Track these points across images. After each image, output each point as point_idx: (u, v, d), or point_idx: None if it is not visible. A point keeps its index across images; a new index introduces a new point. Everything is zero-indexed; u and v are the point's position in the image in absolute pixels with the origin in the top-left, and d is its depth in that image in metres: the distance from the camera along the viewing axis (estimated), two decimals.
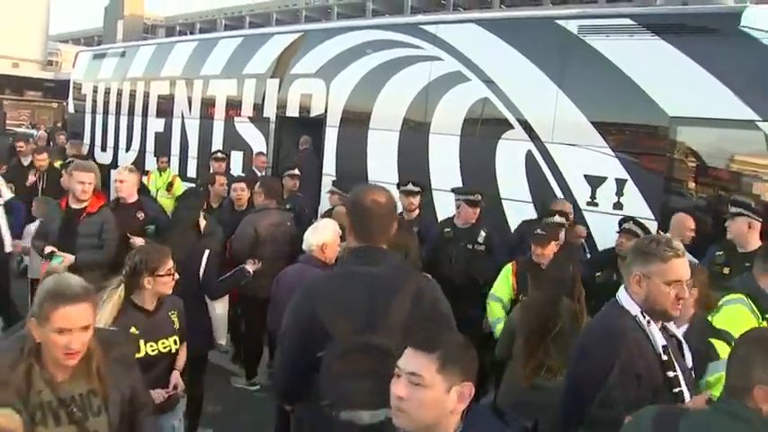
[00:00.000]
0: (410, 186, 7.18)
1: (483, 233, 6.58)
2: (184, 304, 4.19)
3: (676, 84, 6.62)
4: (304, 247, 4.82)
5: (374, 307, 2.83)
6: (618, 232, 5.94)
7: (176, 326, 4.04)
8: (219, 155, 10.07)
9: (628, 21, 7.02)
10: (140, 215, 6.32)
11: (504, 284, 5.66)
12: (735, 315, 4.16)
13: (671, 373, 2.76)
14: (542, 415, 4.34)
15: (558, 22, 7.47)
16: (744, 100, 6.15)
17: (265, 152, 10.33)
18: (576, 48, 7.27)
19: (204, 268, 5.23)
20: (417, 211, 7.23)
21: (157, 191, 10.66)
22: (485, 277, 6.18)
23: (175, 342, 4.02)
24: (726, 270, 5.31)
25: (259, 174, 9.69)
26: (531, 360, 4.51)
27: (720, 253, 5.54)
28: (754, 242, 5.30)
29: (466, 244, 6.53)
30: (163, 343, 3.94)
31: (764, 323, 4.28)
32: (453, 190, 7.05)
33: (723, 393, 2.30)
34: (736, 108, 6.18)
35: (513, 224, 7.48)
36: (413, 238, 5.56)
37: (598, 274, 5.75)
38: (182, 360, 4.16)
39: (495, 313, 5.69)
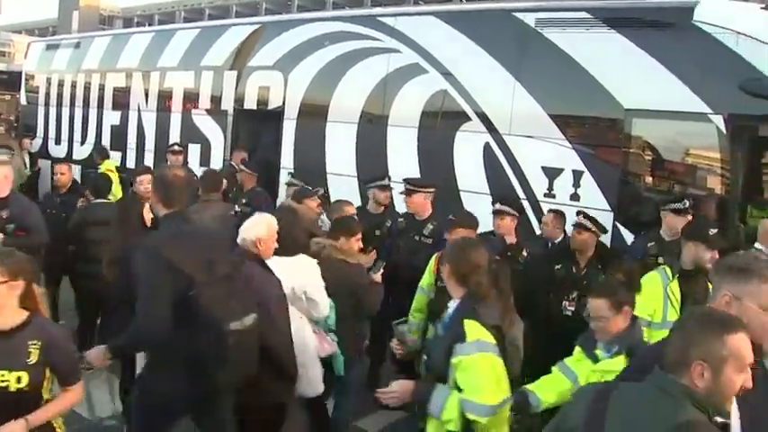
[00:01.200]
0: (385, 181, 7.15)
1: (431, 226, 6.45)
2: (120, 308, 4.04)
3: (631, 76, 6.70)
4: (238, 241, 4.48)
5: (207, 250, 3.89)
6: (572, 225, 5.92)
7: (31, 361, 3.11)
8: (176, 147, 9.94)
9: (584, 14, 7.08)
10: (4, 213, 5.85)
11: (428, 273, 5.41)
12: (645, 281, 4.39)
13: None
14: None
15: (516, 14, 7.50)
16: (696, 93, 6.25)
17: (224, 145, 10.24)
18: (534, 40, 7.33)
19: None
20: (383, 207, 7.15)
21: None
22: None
23: (19, 380, 3.08)
24: (660, 260, 5.38)
25: (236, 168, 9.61)
26: None
27: (652, 243, 5.74)
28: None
29: (413, 235, 6.46)
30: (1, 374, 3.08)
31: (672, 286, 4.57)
32: (405, 180, 6.98)
33: (658, 366, 2.24)
34: (690, 101, 6.28)
35: None
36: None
37: (557, 267, 5.74)
38: (44, 413, 3.21)
39: (416, 304, 5.42)
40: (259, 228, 4.46)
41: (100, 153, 10.94)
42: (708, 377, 2.09)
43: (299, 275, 4.46)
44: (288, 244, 4.52)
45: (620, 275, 4.25)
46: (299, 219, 5.02)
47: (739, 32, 6.11)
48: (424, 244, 6.37)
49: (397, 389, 3.46)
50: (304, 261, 4.59)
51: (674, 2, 7.26)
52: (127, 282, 3.87)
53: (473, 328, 3.26)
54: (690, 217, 5.58)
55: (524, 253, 5.99)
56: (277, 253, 4.51)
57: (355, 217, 5.76)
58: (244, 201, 8.18)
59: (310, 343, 4.51)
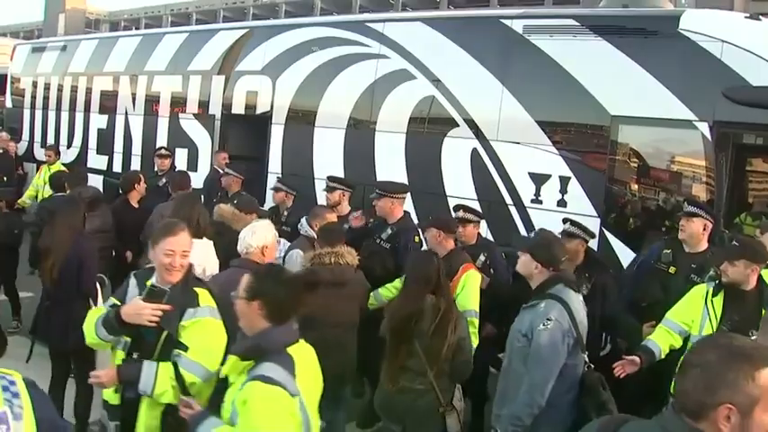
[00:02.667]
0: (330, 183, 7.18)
1: (390, 231, 6.38)
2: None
3: (618, 84, 6.75)
4: (240, 249, 4.50)
5: None
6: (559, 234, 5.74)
7: None
8: (163, 151, 9.91)
9: (571, 21, 7.13)
10: None
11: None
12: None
13: None
14: (407, 419, 4.41)
15: (504, 21, 7.54)
16: (681, 100, 6.31)
17: (211, 149, 10.22)
18: (521, 47, 7.36)
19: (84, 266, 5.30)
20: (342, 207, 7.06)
21: (45, 185, 10.12)
22: (378, 274, 6.00)
23: None
24: (671, 269, 5.30)
25: (220, 171, 9.54)
26: (393, 362, 4.36)
27: (668, 251, 5.41)
28: (704, 244, 5.27)
29: (375, 238, 6.41)
30: None
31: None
32: (377, 184, 6.98)
33: (672, 405, 1.96)
34: (675, 108, 6.33)
35: None
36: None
37: None
38: None
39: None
40: (266, 234, 4.50)
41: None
42: (735, 422, 1.81)
43: (204, 256, 4.78)
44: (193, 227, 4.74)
45: None
46: (198, 204, 5.84)
47: (724, 41, 6.17)
48: (381, 248, 6.31)
49: (102, 374, 3.40)
50: (206, 243, 5.04)
51: (660, 10, 7.36)
52: None
53: (204, 296, 3.43)
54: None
55: (482, 257, 5.89)
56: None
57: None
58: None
59: None
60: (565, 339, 3.89)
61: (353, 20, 9.62)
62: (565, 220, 5.76)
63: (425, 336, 4.22)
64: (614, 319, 5.27)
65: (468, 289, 5.12)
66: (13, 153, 12.83)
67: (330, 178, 7.22)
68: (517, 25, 7.39)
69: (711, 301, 4.50)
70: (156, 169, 9.60)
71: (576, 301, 4.09)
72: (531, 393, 3.85)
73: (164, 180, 9.05)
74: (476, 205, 7.35)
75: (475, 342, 4.83)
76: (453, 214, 6.17)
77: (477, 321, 5.09)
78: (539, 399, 3.84)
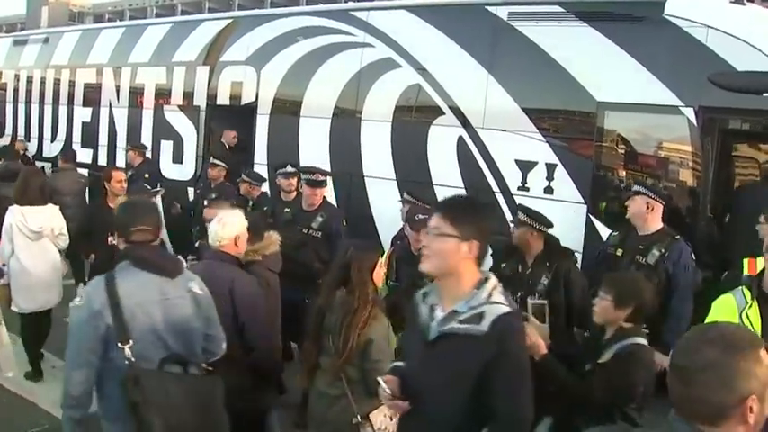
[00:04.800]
0: (288, 168, 7.27)
1: (320, 218, 6.32)
2: None
3: (604, 70, 6.74)
4: (211, 242, 4.26)
5: None
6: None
7: None
8: (130, 146, 10.41)
9: (557, 8, 7.09)
10: None
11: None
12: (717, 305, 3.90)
13: None
14: (321, 428, 3.96)
15: (489, 8, 7.49)
16: (668, 86, 6.30)
17: (196, 141, 10.17)
18: (506, 34, 7.33)
19: None
20: (294, 194, 7.12)
21: None
22: (314, 264, 5.96)
23: None
24: (618, 252, 5.32)
25: (228, 148, 10.03)
26: (307, 359, 4.04)
27: (615, 234, 5.55)
28: (654, 224, 5.28)
29: (301, 228, 6.31)
30: None
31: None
32: (300, 168, 6.95)
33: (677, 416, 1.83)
34: (661, 94, 6.33)
35: None
36: None
37: (503, 266, 5.30)
38: None
39: None
40: (237, 224, 4.30)
41: None
42: (757, 410, 1.74)
43: (51, 219, 6.48)
44: (37, 196, 6.36)
45: None
46: (39, 174, 7.04)
47: (709, 26, 6.16)
48: (312, 237, 6.28)
49: None
50: (52, 208, 6.55)
51: None
52: None
53: None
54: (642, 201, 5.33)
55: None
56: (28, 203, 6.30)
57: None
58: (213, 195, 8.14)
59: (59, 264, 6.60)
60: (92, 322, 3.21)
61: (337, 9, 9.53)
62: (518, 206, 5.68)
63: (335, 332, 3.83)
64: (584, 311, 4.92)
65: None
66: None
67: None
68: (502, 12, 7.35)
69: (746, 314, 4.06)
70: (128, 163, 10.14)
71: (142, 282, 3.36)
72: (64, 382, 3.31)
73: (129, 173, 9.14)
74: (462, 193, 7.39)
75: None
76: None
77: None
78: (68, 386, 3.24)
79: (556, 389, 3.74)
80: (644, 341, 3.64)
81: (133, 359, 3.16)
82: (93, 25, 13.96)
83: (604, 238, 6.49)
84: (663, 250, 5.10)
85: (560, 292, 4.99)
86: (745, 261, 4.83)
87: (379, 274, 4.09)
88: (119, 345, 3.17)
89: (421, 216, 4.97)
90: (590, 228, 6.67)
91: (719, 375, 1.73)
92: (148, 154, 10.41)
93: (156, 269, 3.39)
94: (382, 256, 4.41)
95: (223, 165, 8.56)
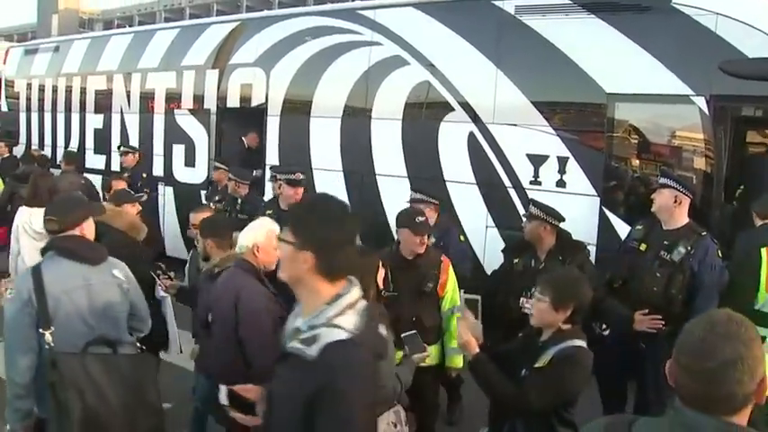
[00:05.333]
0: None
1: None
2: None
3: (613, 61, 6.70)
4: (236, 250, 4.22)
5: None
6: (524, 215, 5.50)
7: None
8: (123, 148, 10.56)
9: (563, 0, 7.06)
10: None
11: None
12: None
13: None
14: None
15: (495, 2, 7.46)
16: (678, 75, 6.26)
17: (207, 144, 10.22)
18: (514, 28, 7.31)
19: None
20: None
21: None
22: None
23: None
24: (642, 246, 5.00)
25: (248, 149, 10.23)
26: None
27: (640, 228, 5.17)
28: (681, 219, 4.95)
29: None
30: None
31: None
32: (272, 168, 6.93)
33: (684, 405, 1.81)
34: (671, 83, 6.29)
35: (458, 206, 7.53)
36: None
37: (516, 261, 5.25)
38: None
39: None
40: (257, 233, 4.12)
41: None
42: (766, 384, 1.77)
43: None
44: (46, 198, 5.77)
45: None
46: (48, 177, 6.86)
47: (718, 13, 6.11)
48: None
49: None
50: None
51: None
52: None
53: None
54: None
55: (433, 238, 5.60)
56: (38, 205, 5.63)
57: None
58: (217, 198, 8.24)
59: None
60: (24, 310, 3.45)
61: (344, 8, 9.53)
62: (530, 200, 5.61)
63: None
64: (600, 305, 4.82)
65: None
66: None
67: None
68: (509, 6, 7.33)
69: None
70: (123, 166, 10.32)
71: (66, 270, 3.60)
72: (7, 374, 3.48)
73: (125, 175, 9.44)
74: (474, 189, 7.40)
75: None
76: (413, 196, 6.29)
77: None
78: (12, 375, 3.44)
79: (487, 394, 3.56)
80: (583, 343, 3.39)
81: (53, 344, 3.35)
82: (102, 32, 14.00)
83: (618, 231, 6.50)
84: (689, 248, 4.80)
85: None
86: (764, 250, 4.79)
87: (381, 277, 4.00)
88: (40, 330, 3.39)
89: (420, 218, 4.83)
90: (603, 220, 6.66)
91: (746, 369, 1.72)
92: (161, 158, 10.48)
93: (79, 257, 3.64)
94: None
95: (225, 167, 8.58)
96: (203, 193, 9.80)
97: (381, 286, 3.99)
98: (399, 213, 5.12)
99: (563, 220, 5.21)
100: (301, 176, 6.63)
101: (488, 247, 7.20)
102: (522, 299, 4.97)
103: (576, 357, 3.32)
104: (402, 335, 3.86)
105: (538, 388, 3.25)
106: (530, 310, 4.83)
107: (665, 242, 4.87)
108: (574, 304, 3.39)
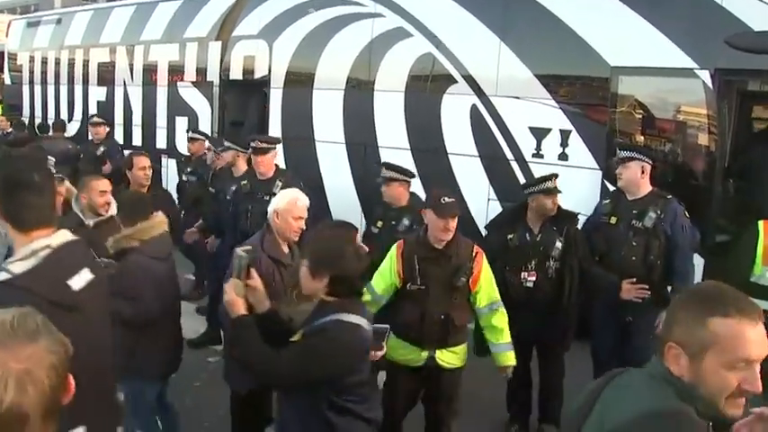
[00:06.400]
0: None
1: (279, 183, 6.00)
2: None
3: (617, 34, 6.65)
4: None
5: None
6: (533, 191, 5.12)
7: None
8: (96, 119, 10.41)
9: None
10: None
11: (386, 270, 4.34)
12: None
13: None
14: None
15: None
16: (682, 48, 6.20)
17: (211, 116, 10.21)
18: (518, 0, 7.26)
19: None
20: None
21: None
22: None
23: None
24: (612, 219, 5.11)
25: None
26: None
27: (607, 202, 5.29)
28: (645, 188, 5.09)
29: (263, 195, 5.88)
30: None
31: None
32: (247, 138, 6.74)
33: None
34: (676, 56, 6.24)
35: (461, 179, 7.52)
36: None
37: (510, 236, 5.07)
38: None
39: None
40: (281, 199, 4.18)
41: None
42: (684, 363, 1.81)
43: None
44: None
45: None
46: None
47: None
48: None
49: None
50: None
51: None
52: None
53: None
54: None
55: (406, 221, 5.50)
56: None
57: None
58: (189, 169, 8.18)
59: None
60: None
61: None
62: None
63: None
64: (588, 273, 5.06)
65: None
66: None
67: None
68: None
69: None
70: (91, 138, 10.28)
71: None
72: None
73: (102, 148, 9.72)
74: (476, 161, 7.38)
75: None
76: (384, 173, 5.78)
77: None
78: None
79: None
80: (351, 318, 2.88)
81: None
82: (104, 4, 13.88)
83: None
84: (659, 212, 4.93)
85: (574, 255, 4.97)
86: (761, 223, 4.82)
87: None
88: None
89: (447, 199, 4.23)
90: (605, 193, 6.61)
91: (668, 314, 1.92)
92: (164, 131, 10.49)
93: None
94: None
95: (202, 137, 8.49)
96: None
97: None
98: (428, 192, 4.88)
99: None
100: (264, 144, 6.39)
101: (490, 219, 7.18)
102: (522, 273, 4.97)
103: (329, 333, 2.82)
104: (374, 325, 3.24)
105: (287, 361, 2.81)
106: (531, 283, 4.96)
107: (634, 211, 5.00)
108: (330, 273, 2.91)
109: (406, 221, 5.52)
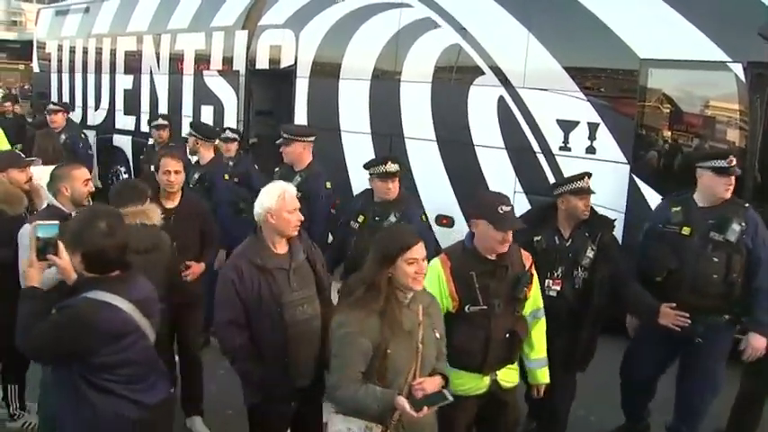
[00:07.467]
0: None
1: (299, 178, 5.77)
2: None
3: (647, 25, 6.57)
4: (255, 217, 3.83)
5: None
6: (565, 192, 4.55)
7: None
8: (53, 106, 9.97)
9: None
10: None
11: (435, 293, 3.60)
12: None
13: None
14: None
15: None
16: (714, 41, 6.11)
17: (237, 106, 10.27)
18: None
19: None
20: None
21: None
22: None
23: None
24: (685, 230, 4.52)
25: None
26: None
27: (677, 209, 4.62)
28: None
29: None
30: None
31: None
32: (281, 127, 6.52)
33: None
34: (707, 49, 6.15)
35: (487, 172, 7.51)
36: None
37: (537, 239, 4.49)
38: None
39: None
40: (268, 198, 3.71)
41: None
42: None
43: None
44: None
45: None
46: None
47: None
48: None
49: None
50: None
51: None
52: None
53: None
54: (733, 178, 4.48)
55: (393, 218, 5.19)
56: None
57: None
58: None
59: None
60: None
61: None
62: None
63: None
64: (622, 291, 4.54)
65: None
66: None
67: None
68: None
69: None
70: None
71: None
72: None
73: (63, 137, 9.23)
74: (503, 153, 7.34)
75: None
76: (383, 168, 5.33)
77: None
78: None
79: None
80: (105, 297, 2.88)
81: None
82: None
83: (647, 199, 6.42)
84: (743, 223, 4.38)
85: (605, 267, 4.44)
86: None
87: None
88: None
89: (505, 208, 3.67)
90: (633, 188, 6.58)
91: None
92: (190, 120, 10.46)
93: None
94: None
95: (167, 124, 8.47)
96: None
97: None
98: (475, 197, 4.24)
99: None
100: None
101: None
102: (546, 280, 4.38)
103: (70, 310, 2.84)
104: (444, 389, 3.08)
105: (37, 335, 2.82)
106: (555, 293, 4.39)
107: (710, 221, 4.45)
108: (81, 250, 2.91)
109: (392, 218, 5.22)
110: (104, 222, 2.92)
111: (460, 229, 7.37)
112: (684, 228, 4.51)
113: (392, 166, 5.29)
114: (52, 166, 4.69)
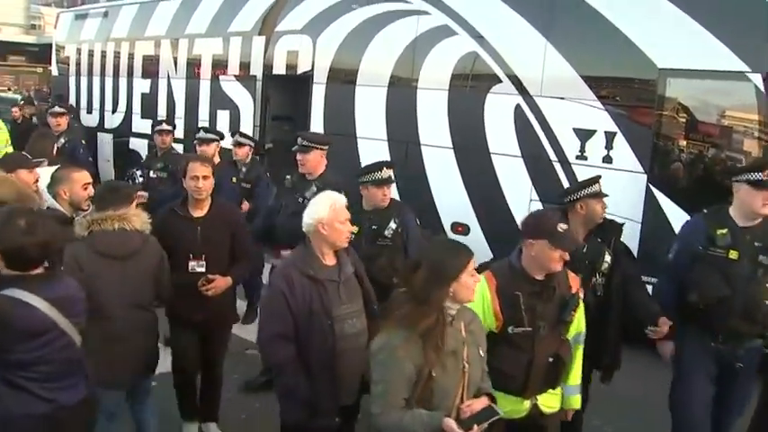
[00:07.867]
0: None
1: (314, 188, 5.44)
2: None
3: (665, 35, 6.56)
4: (304, 228, 3.72)
5: None
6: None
7: None
8: (56, 109, 9.42)
9: None
10: None
11: (478, 311, 3.41)
12: None
13: None
14: None
15: None
16: (733, 50, 6.09)
17: (253, 111, 10.30)
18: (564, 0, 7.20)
19: None
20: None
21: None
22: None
23: None
24: (732, 254, 4.12)
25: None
26: None
27: (723, 231, 4.17)
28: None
29: (298, 196, 5.54)
30: None
31: None
32: (299, 134, 6.12)
33: None
34: (726, 59, 6.12)
35: (503, 180, 7.49)
36: None
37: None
38: None
39: None
40: (318, 208, 3.63)
41: None
42: None
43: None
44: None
45: None
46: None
47: None
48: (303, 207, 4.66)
49: None
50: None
51: None
52: None
53: None
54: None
55: (393, 224, 5.05)
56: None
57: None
58: (159, 165, 7.97)
59: None
60: None
61: None
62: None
63: None
64: (628, 298, 4.40)
65: None
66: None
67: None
68: None
69: None
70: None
71: None
72: None
73: (62, 141, 8.69)
74: (519, 162, 7.33)
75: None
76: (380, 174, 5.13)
77: None
78: None
79: None
80: (19, 294, 2.91)
81: None
82: None
83: (664, 209, 6.39)
84: None
85: (619, 272, 4.35)
86: None
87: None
88: None
89: (564, 227, 3.55)
90: (649, 197, 6.55)
91: None
92: (206, 124, 10.52)
93: None
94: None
95: (171, 129, 8.42)
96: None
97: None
98: (530, 217, 3.78)
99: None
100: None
101: None
102: None
103: None
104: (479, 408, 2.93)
105: None
106: None
107: (756, 243, 4.12)
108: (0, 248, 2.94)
109: (393, 225, 5.06)
110: (23, 220, 2.93)
111: (476, 238, 7.40)
112: (732, 252, 4.14)
113: (388, 172, 5.14)
114: (53, 168, 4.72)
